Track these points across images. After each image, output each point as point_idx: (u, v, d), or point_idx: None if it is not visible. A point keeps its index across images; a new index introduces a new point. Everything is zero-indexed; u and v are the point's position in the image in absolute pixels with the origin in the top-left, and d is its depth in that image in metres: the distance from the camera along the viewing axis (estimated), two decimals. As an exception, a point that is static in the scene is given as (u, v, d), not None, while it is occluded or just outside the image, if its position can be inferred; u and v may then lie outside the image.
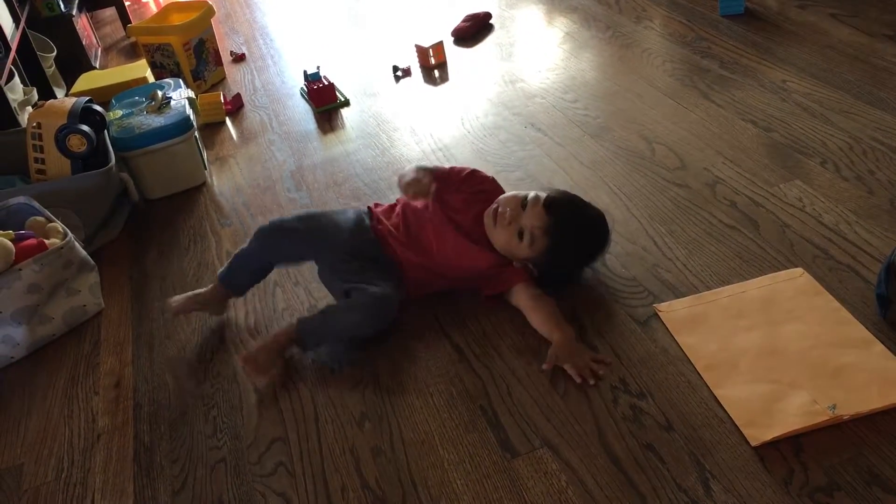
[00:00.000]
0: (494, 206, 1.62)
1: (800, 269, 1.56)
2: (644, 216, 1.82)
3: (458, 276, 1.65)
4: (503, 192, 1.70)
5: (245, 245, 1.72)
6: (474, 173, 1.73)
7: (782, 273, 1.57)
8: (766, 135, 2.02)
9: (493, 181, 1.74)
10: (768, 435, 1.24)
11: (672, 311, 1.53)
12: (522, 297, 1.58)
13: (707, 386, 1.36)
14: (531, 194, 1.60)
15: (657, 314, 1.53)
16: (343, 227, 1.68)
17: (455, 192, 1.69)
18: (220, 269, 1.75)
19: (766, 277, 1.56)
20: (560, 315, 1.54)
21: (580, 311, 1.58)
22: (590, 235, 1.62)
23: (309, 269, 1.85)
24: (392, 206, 1.76)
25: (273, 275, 1.84)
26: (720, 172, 1.91)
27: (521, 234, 1.57)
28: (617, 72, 2.53)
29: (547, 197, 1.59)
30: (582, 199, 1.65)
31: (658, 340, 1.48)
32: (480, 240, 1.63)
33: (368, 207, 1.76)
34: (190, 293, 1.75)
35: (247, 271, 1.74)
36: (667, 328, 1.49)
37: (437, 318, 1.64)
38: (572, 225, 1.58)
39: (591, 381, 1.41)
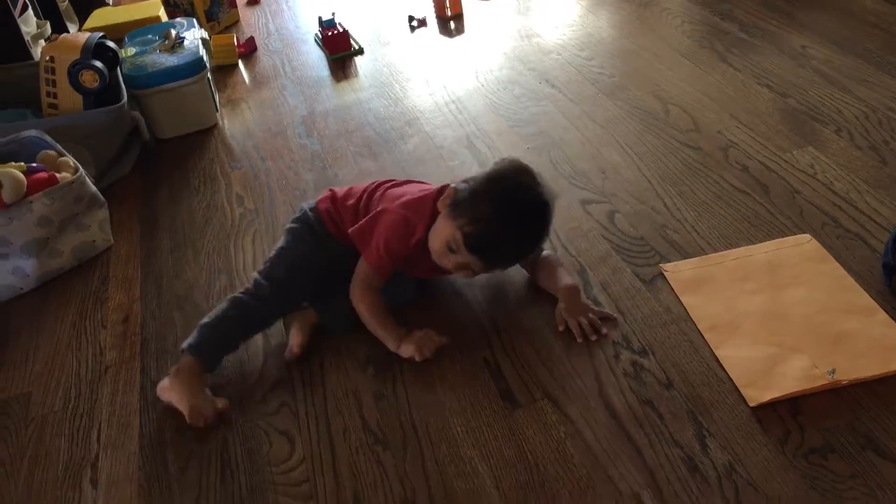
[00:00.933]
0: None
1: (807, 236, 1.56)
2: (655, 176, 1.82)
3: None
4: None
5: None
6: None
7: (790, 238, 1.57)
8: (781, 100, 2.01)
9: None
10: (766, 396, 1.26)
11: (677, 271, 1.54)
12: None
13: (708, 346, 1.37)
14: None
15: (662, 274, 1.54)
16: (313, 264, 1.53)
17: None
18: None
19: (773, 242, 1.57)
20: (564, 269, 1.54)
21: (585, 267, 1.59)
22: (519, 236, 1.42)
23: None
24: (341, 197, 1.58)
25: (281, 217, 1.85)
26: (733, 136, 1.91)
27: (449, 246, 1.41)
28: (634, 31, 2.50)
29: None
30: (510, 191, 1.40)
31: (662, 300, 1.49)
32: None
33: (315, 212, 1.57)
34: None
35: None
36: (671, 288, 1.50)
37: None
38: (494, 231, 1.39)
39: (593, 337, 1.42)
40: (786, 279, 1.48)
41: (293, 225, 1.58)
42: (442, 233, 1.41)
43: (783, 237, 1.58)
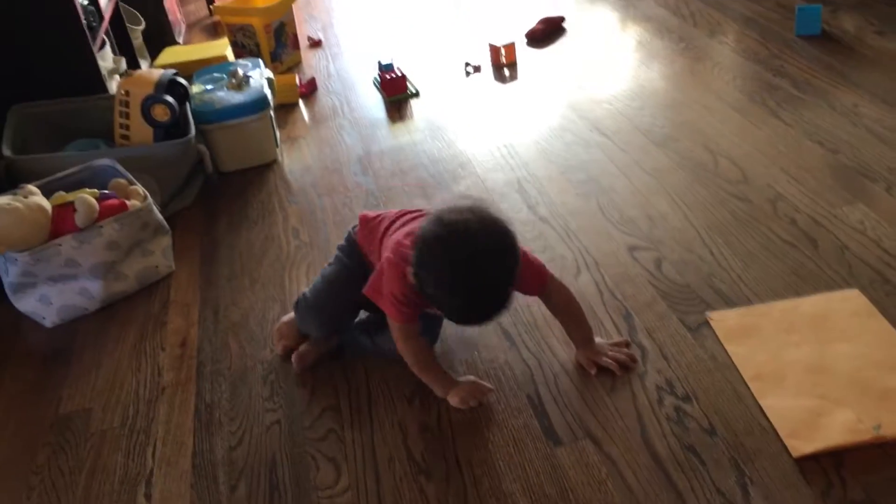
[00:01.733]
0: None
1: (856, 291, 1.57)
2: (702, 226, 1.84)
3: None
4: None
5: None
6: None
7: (838, 293, 1.58)
8: (832, 156, 2.03)
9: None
10: (810, 447, 1.26)
11: (723, 319, 1.56)
12: (548, 301, 1.54)
13: (753, 395, 1.38)
14: None
15: (708, 322, 1.56)
16: (349, 282, 1.56)
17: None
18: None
19: (820, 296, 1.58)
20: (574, 314, 1.52)
21: (631, 312, 1.62)
22: (483, 312, 1.34)
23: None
24: (370, 225, 1.58)
25: (333, 251, 1.91)
26: (783, 189, 1.93)
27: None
28: (686, 83, 2.54)
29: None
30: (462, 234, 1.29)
31: (707, 347, 1.51)
32: None
33: (355, 234, 1.62)
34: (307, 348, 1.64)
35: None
36: (717, 336, 1.52)
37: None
38: (459, 314, 1.36)
39: (630, 367, 1.48)
40: (832, 333, 1.48)
41: (340, 243, 1.65)
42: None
43: (831, 291, 1.59)
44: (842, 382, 1.38)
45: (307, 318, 1.60)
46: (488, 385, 1.48)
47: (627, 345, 1.53)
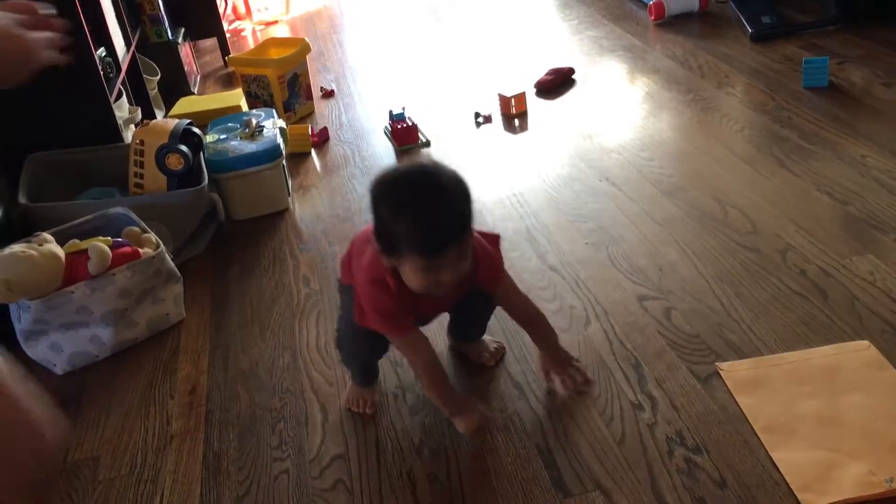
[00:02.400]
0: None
1: (866, 342, 1.57)
2: (712, 276, 1.85)
3: None
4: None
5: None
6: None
7: (849, 344, 1.57)
8: (841, 207, 2.03)
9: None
10: (823, 501, 1.25)
11: (734, 370, 1.55)
12: (503, 302, 1.57)
13: (764, 447, 1.37)
14: None
15: (718, 372, 1.55)
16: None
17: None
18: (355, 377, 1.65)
19: (831, 347, 1.57)
20: (541, 322, 1.57)
21: (641, 361, 1.61)
22: (435, 201, 1.31)
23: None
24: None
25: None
26: (792, 240, 1.93)
27: (416, 274, 1.34)
28: (695, 134, 2.56)
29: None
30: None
31: (717, 398, 1.50)
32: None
33: None
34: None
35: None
36: (727, 387, 1.51)
37: (503, 358, 1.69)
38: (412, 220, 1.30)
39: (579, 391, 1.53)
40: (844, 384, 1.47)
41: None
42: (404, 270, 1.34)
43: (841, 342, 1.58)
44: (854, 435, 1.36)
45: (349, 361, 1.65)
46: (493, 416, 1.50)
47: (582, 372, 1.55)
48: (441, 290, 1.35)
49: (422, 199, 1.30)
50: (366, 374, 1.64)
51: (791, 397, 1.46)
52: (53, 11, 0.98)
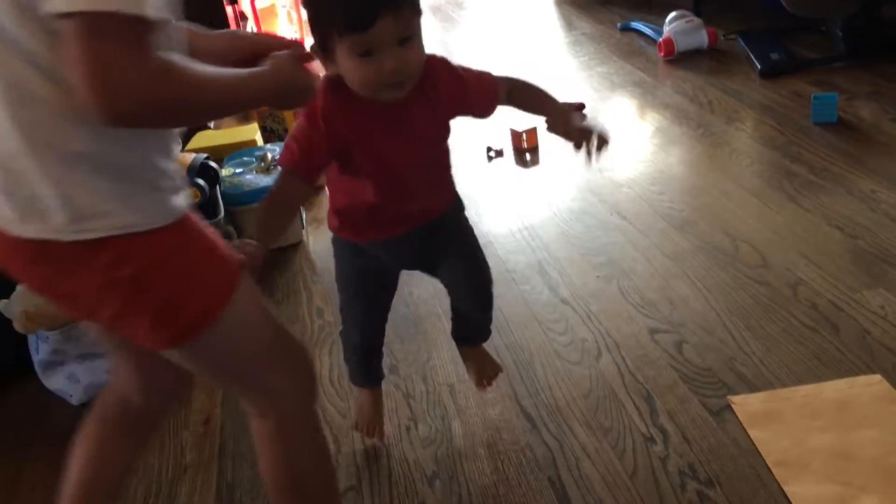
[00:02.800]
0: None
1: (878, 376, 1.57)
2: (723, 310, 1.85)
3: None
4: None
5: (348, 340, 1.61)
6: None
7: (860, 378, 1.58)
8: (851, 241, 2.04)
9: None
10: (836, 535, 1.25)
11: (746, 404, 1.55)
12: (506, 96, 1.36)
13: (776, 481, 1.37)
14: None
15: (730, 406, 1.56)
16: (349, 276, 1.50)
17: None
18: (352, 376, 1.64)
19: (843, 381, 1.58)
20: (541, 92, 1.38)
21: (653, 395, 1.62)
22: None
23: (392, 327, 1.95)
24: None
25: (359, 333, 1.95)
26: (803, 274, 1.94)
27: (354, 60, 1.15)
28: (705, 169, 2.59)
29: None
30: None
31: (729, 431, 1.50)
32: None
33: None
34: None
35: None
36: (739, 421, 1.52)
37: (512, 385, 1.70)
38: None
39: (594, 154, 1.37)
40: (856, 418, 1.48)
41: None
42: (343, 68, 1.16)
43: (853, 376, 1.58)
44: (866, 469, 1.36)
45: (347, 338, 1.57)
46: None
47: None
48: (387, 86, 1.15)
49: None
50: (363, 367, 1.57)
51: (803, 431, 1.47)
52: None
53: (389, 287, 1.55)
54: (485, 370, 1.65)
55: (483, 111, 1.35)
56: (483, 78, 1.32)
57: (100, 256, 0.93)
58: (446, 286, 1.55)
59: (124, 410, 1.23)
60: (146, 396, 1.23)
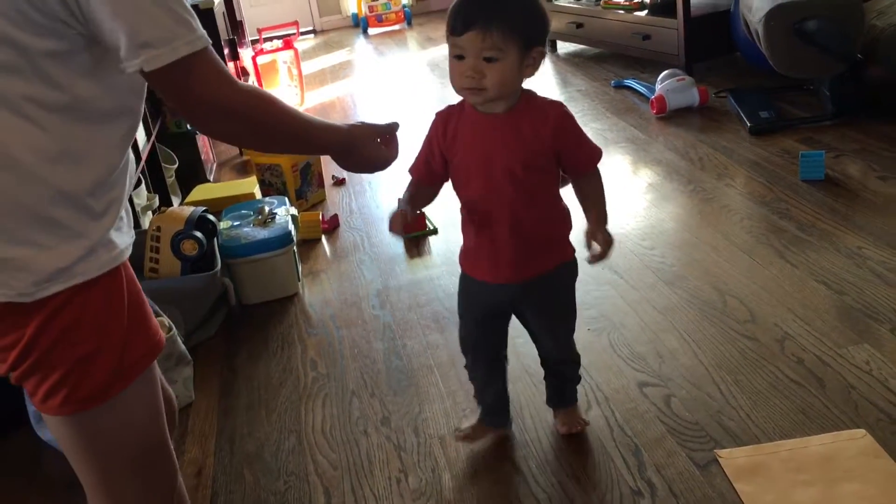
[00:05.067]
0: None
1: (862, 431, 1.59)
2: (711, 363, 1.88)
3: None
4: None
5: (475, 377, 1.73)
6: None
7: (845, 433, 1.59)
8: (838, 297, 2.08)
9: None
10: (820, 590, 1.26)
11: (732, 458, 1.57)
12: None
13: (762, 535, 1.38)
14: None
15: (717, 459, 1.57)
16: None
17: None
18: (483, 416, 1.73)
19: (828, 435, 1.59)
20: (597, 201, 1.53)
21: (640, 448, 1.64)
22: None
23: (385, 379, 1.97)
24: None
25: (351, 384, 1.97)
26: (790, 329, 1.97)
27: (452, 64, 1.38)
28: (695, 224, 2.63)
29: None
30: None
31: (716, 485, 1.51)
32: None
33: None
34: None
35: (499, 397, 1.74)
36: (726, 474, 1.53)
37: (504, 441, 1.72)
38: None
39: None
40: (840, 473, 1.49)
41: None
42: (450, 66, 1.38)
43: (838, 431, 1.60)
44: (851, 524, 1.38)
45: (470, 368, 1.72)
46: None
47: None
48: (467, 89, 1.36)
49: None
50: (490, 401, 1.70)
51: (789, 485, 1.48)
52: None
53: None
54: (572, 422, 1.72)
55: (576, 164, 1.50)
56: (588, 143, 1.49)
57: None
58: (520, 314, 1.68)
59: None
60: None
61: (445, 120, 1.48)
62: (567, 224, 1.56)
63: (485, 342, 1.67)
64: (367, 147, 1.29)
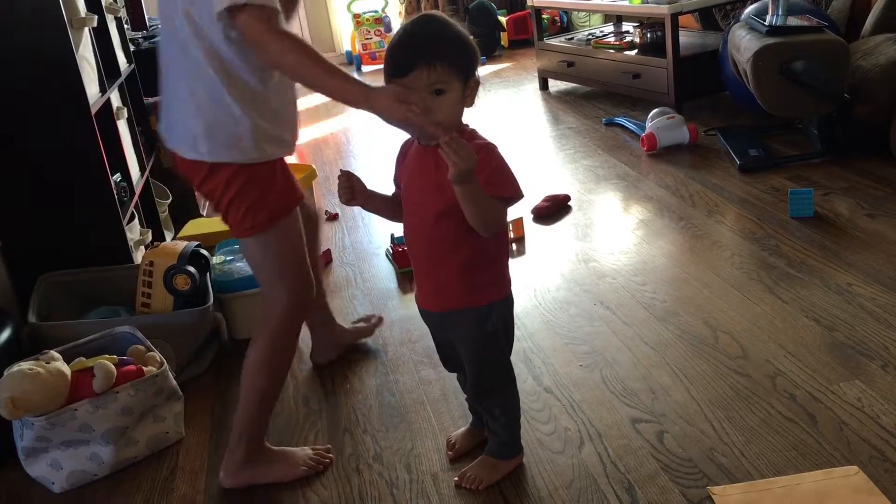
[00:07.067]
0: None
1: (855, 468, 1.59)
2: (704, 400, 1.88)
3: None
4: None
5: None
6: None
7: (838, 469, 1.59)
8: (828, 334, 2.09)
9: None
10: None
11: (726, 495, 1.57)
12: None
13: (756, 574, 1.38)
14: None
15: (711, 497, 1.57)
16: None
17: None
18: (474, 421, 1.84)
19: (820, 472, 1.59)
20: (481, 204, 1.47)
21: (634, 484, 1.63)
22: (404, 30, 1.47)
23: (377, 415, 1.96)
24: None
25: (343, 420, 1.96)
26: (781, 365, 1.97)
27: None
28: (686, 260, 2.65)
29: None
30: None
31: (710, 523, 1.51)
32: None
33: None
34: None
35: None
36: (719, 512, 1.53)
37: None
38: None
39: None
40: (834, 510, 1.49)
41: None
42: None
43: (831, 467, 1.60)
44: (845, 562, 1.37)
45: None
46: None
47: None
48: (412, 123, 1.40)
49: (403, 27, 1.46)
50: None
51: (782, 523, 1.48)
52: None
53: None
54: (478, 474, 1.70)
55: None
56: (505, 177, 1.49)
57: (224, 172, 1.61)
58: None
59: None
60: None
61: (405, 148, 1.62)
62: (488, 272, 1.58)
63: (444, 357, 1.77)
64: (384, 99, 1.41)
